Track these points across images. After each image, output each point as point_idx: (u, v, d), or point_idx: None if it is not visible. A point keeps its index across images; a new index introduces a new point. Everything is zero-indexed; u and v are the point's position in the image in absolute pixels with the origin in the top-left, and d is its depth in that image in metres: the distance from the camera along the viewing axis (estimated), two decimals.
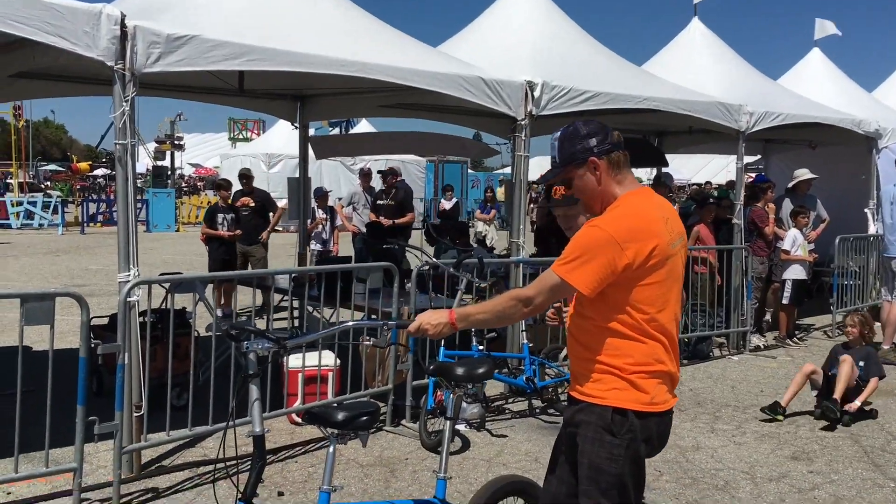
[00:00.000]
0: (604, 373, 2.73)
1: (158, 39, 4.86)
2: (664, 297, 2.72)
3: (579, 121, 2.82)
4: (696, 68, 10.07)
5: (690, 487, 5.13)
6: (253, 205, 10.26)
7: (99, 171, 42.12)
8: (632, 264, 2.63)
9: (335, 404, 3.06)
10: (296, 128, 9.09)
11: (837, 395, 6.39)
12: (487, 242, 15.95)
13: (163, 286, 6.35)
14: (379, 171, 13.13)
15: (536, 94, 7.00)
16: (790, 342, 9.47)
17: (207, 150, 57.71)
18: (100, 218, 26.65)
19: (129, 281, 4.69)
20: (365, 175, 12.45)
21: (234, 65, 5.34)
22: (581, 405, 2.77)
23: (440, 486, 3.28)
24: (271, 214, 10.72)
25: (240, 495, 2.85)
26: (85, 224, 24.86)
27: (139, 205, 28.52)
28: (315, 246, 11.14)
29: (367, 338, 4.58)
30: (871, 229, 10.77)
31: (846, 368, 6.48)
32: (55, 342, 4.38)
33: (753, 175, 14.86)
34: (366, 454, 5.53)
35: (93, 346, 4.43)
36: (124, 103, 4.77)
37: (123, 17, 4.73)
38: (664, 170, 12.29)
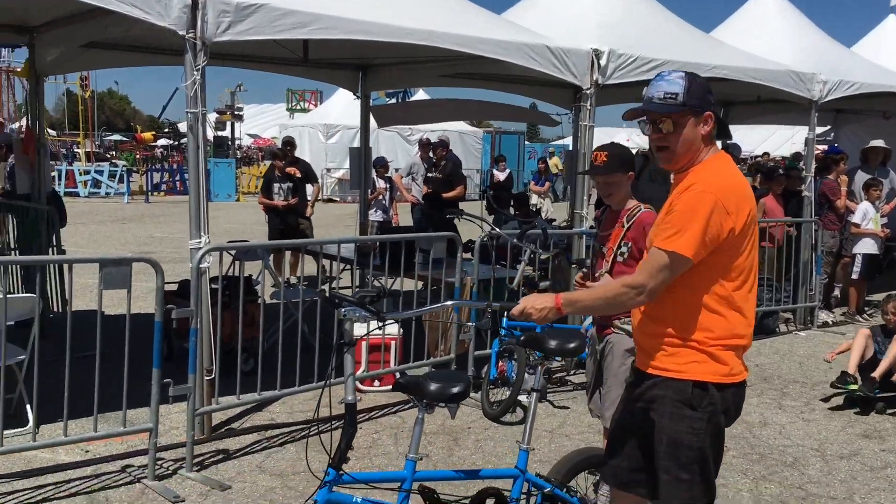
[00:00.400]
0: (680, 346, 2.67)
1: (228, 8, 4.88)
2: (751, 266, 2.67)
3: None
4: (767, 35, 9.75)
5: (758, 463, 5.06)
6: (299, 175, 10.06)
7: (161, 142, 42.92)
8: (734, 229, 2.58)
9: (428, 376, 3.03)
10: (357, 97, 9.10)
11: (878, 373, 5.98)
12: (543, 214, 15.82)
13: (230, 253, 6.46)
14: (422, 142, 13.04)
15: (603, 62, 6.87)
16: (860, 318, 9.22)
17: (265, 120, 58.32)
18: (163, 187, 27.22)
19: (200, 248, 4.78)
20: (424, 145, 12.41)
21: (301, 33, 5.34)
22: (654, 380, 2.71)
23: (522, 456, 3.27)
24: (309, 187, 10.50)
25: (330, 461, 2.87)
26: (149, 193, 25.42)
27: None
28: (376, 216, 11.15)
29: (464, 322, 4.57)
30: None
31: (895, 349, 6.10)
32: (121, 304, 4.49)
33: (821, 147, 14.43)
34: (429, 422, 5.56)
35: (167, 310, 4.51)
36: (195, 72, 4.83)
37: None
38: (732, 141, 11.99)
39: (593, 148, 7.32)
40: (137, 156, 34.19)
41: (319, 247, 7.12)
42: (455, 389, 2.91)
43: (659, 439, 2.68)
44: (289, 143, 10.81)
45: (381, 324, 2.97)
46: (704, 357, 2.66)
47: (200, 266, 4.73)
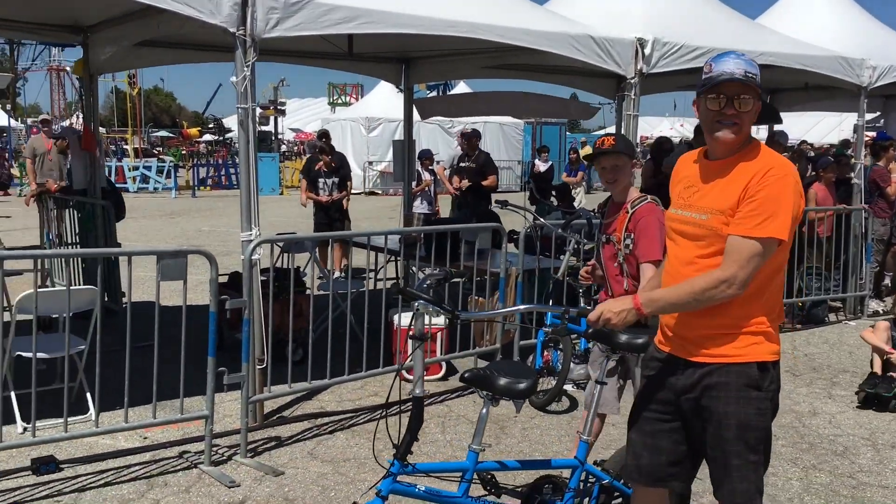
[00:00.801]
0: (736, 329, 2.67)
1: (276, 5, 4.98)
2: (790, 244, 2.71)
3: None
4: (814, 21, 9.61)
5: (808, 452, 5.03)
6: (334, 165, 10.08)
7: (206, 137, 43.58)
8: (800, 210, 2.64)
9: (495, 368, 3.03)
10: (400, 90, 9.18)
11: None
12: (576, 205, 15.73)
13: (278, 245, 6.59)
14: (462, 133, 13.10)
15: (647, 51, 6.84)
16: None
17: (307, 115, 58.80)
18: (209, 182, 27.67)
19: (252, 240, 4.89)
20: (469, 137, 12.48)
21: (347, 28, 5.42)
22: (709, 367, 2.69)
23: (582, 447, 3.29)
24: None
25: (395, 453, 2.91)
26: (196, 188, 25.86)
27: None
28: (422, 207, 11.21)
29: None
30: None
31: None
32: (179, 298, 4.63)
33: (871, 133, 14.14)
34: (473, 411, 5.64)
35: (221, 301, 4.64)
36: (245, 68, 4.93)
37: None
38: (777, 128, 11.82)
39: (638, 137, 7.35)
40: (184, 151, 34.74)
41: (367, 238, 7.21)
42: (523, 385, 2.93)
43: (727, 425, 2.66)
44: (324, 135, 10.96)
45: (455, 322, 2.97)
46: (761, 338, 2.68)
47: (252, 258, 4.85)
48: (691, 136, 11.20)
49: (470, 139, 11.31)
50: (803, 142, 29.67)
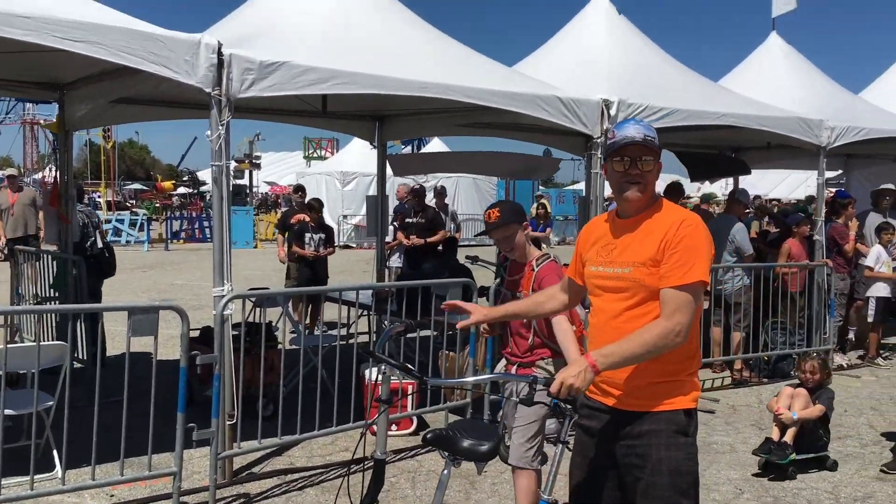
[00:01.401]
0: (670, 378, 2.80)
1: (252, 66, 5.12)
2: None
3: None
4: (774, 83, 9.97)
5: None
6: (312, 224, 9.97)
7: (180, 190, 43.59)
8: (712, 255, 2.80)
9: (458, 428, 3.04)
10: (374, 147, 9.34)
11: (789, 437, 5.65)
12: None
13: (250, 300, 6.63)
14: (411, 189, 13.13)
15: (612, 111, 7.06)
16: (878, 362, 9.23)
17: (282, 168, 59.09)
18: (182, 235, 27.60)
19: (224, 295, 4.94)
20: (439, 194, 12.66)
21: (320, 89, 5.57)
22: (642, 416, 2.80)
23: None
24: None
25: None
26: (169, 241, 25.77)
27: None
28: (397, 262, 11.26)
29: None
30: None
31: (812, 410, 5.79)
32: (149, 352, 4.64)
33: (834, 190, 14.53)
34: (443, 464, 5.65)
35: (191, 356, 4.66)
36: (220, 127, 5.05)
37: (220, 45, 5.01)
38: (742, 185, 12.14)
39: (605, 193, 7.52)
40: (157, 204, 34.69)
41: (339, 293, 7.26)
42: (485, 448, 2.95)
43: (658, 471, 2.76)
44: (300, 189, 11.04)
45: (423, 386, 3.01)
46: (687, 385, 2.84)
47: (224, 313, 4.89)
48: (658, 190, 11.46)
49: (418, 195, 11.12)
50: (757, 197, 30.32)
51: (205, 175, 55.62)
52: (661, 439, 2.77)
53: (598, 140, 7.06)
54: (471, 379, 3.14)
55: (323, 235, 9.88)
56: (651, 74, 8.24)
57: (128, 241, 26.10)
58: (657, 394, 2.79)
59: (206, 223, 28.46)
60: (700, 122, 7.87)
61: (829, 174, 13.21)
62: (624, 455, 2.84)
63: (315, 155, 40.30)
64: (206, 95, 5.03)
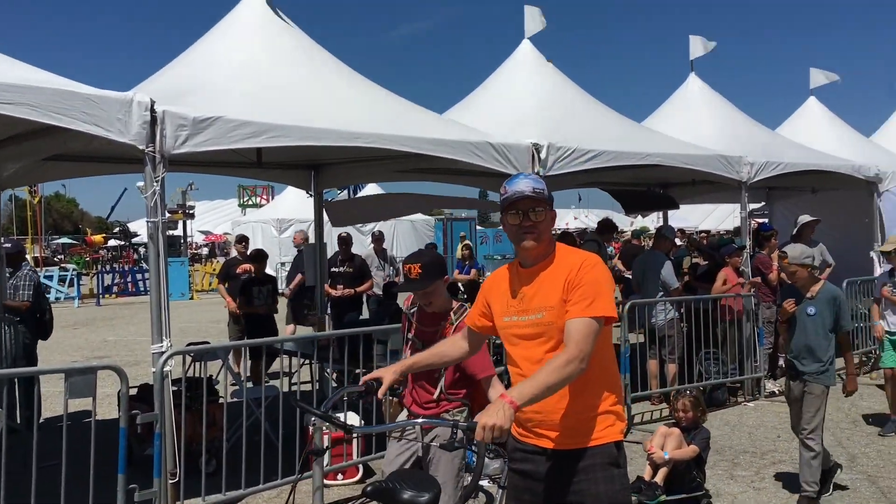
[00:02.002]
0: (599, 413, 2.91)
1: (185, 122, 5.16)
2: None
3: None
4: (695, 122, 10.39)
5: None
6: (254, 273, 9.88)
7: (112, 243, 42.66)
8: (613, 291, 2.95)
9: (398, 479, 3.00)
10: (310, 196, 9.38)
11: (660, 478, 5.69)
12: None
13: (189, 355, 6.55)
14: (381, 235, 13.18)
15: (542, 155, 7.27)
16: None
17: (217, 216, 58.38)
18: (115, 289, 26.99)
19: (163, 351, 4.90)
20: (377, 239, 12.74)
21: (255, 142, 5.62)
22: (577, 453, 2.89)
23: None
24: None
25: None
26: (100, 296, 25.17)
27: None
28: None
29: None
30: (878, 271, 10.90)
31: (685, 451, 5.81)
32: (82, 412, 4.57)
33: (759, 220, 15.07)
34: None
35: (131, 416, 4.60)
36: (155, 183, 5.05)
37: (153, 102, 5.03)
38: (670, 221, 12.55)
39: None
40: (87, 258, 33.86)
41: (280, 344, 7.23)
42: (425, 498, 2.97)
43: None
44: (243, 240, 10.94)
45: (350, 436, 3.02)
46: (613, 418, 2.95)
47: (164, 370, 4.85)
48: (594, 226, 11.77)
49: (345, 243, 10.94)
50: (681, 230, 31.20)
51: (136, 226, 54.67)
52: (598, 473, 2.87)
53: None
54: (392, 424, 3.07)
55: (271, 286, 9.65)
56: (578, 118, 8.52)
57: (57, 298, 25.37)
58: (587, 429, 2.90)
59: (139, 276, 27.92)
60: (627, 163, 8.16)
61: (753, 206, 13.73)
62: (561, 494, 2.91)
63: (250, 203, 39.96)
64: (139, 152, 5.04)
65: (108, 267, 31.90)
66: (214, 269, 29.24)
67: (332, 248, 10.98)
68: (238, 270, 10.02)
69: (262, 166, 8.32)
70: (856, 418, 8.07)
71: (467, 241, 19.87)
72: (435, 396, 4.06)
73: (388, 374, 3.27)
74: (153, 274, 5.12)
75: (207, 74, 6.26)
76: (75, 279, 25.52)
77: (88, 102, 4.84)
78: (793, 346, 5.83)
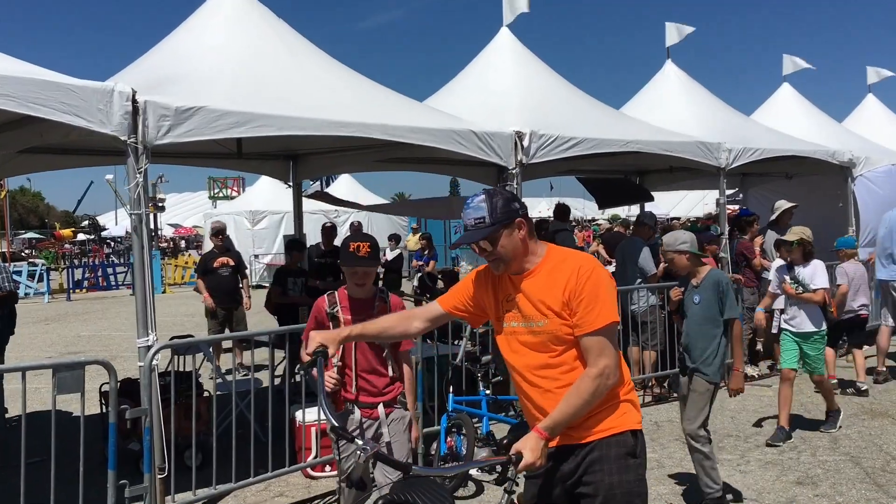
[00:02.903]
0: (612, 403, 2.88)
1: (168, 112, 5.06)
2: None
3: (496, 187, 3.02)
4: (673, 109, 10.45)
5: None
6: (233, 264, 9.93)
7: (80, 237, 42.05)
8: (615, 290, 2.94)
9: (415, 490, 2.78)
10: (289, 186, 9.30)
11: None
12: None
13: (174, 349, 6.46)
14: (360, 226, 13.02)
15: (525, 143, 7.26)
16: None
17: (186, 209, 57.82)
18: (85, 284, 26.61)
19: (150, 345, 4.83)
20: (356, 229, 12.67)
21: (239, 132, 5.53)
22: (590, 445, 2.86)
23: None
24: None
25: None
26: (71, 290, 24.79)
27: (124, 268, 28.60)
28: None
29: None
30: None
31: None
32: (64, 407, 4.49)
33: (733, 207, 15.20)
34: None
35: (120, 410, 4.53)
36: (138, 175, 4.96)
37: (134, 92, 4.93)
38: (646, 209, 12.60)
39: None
40: (57, 253, 33.34)
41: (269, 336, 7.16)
42: None
43: (611, 496, 2.82)
44: (220, 231, 10.58)
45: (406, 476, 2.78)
46: (629, 406, 2.94)
47: (151, 365, 4.77)
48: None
49: (329, 233, 10.54)
50: (674, 218, 31.49)
51: (105, 219, 53.91)
52: (612, 464, 2.83)
53: (514, 171, 7.24)
54: (440, 470, 2.69)
55: (303, 280, 9.26)
56: (558, 105, 8.52)
57: (26, 294, 24.95)
58: (600, 420, 2.86)
59: (109, 270, 27.55)
60: (608, 150, 8.17)
61: (727, 192, 13.85)
62: (574, 489, 2.89)
63: (221, 195, 39.55)
64: (121, 143, 4.94)
65: (77, 261, 31.36)
66: (186, 263, 28.95)
67: (310, 238, 10.84)
68: (215, 264, 9.86)
69: (242, 157, 8.22)
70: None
71: (425, 232, 19.63)
72: (391, 374, 4.10)
73: (330, 341, 3.09)
74: (137, 267, 5.03)
75: (188, 63, 6.15)
76: (45, 274, 25.10)
77: (68, 93, 4.73)
78: (682, 337, 5.55)
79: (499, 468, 2.70)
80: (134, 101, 4.92)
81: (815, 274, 7.04)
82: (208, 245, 27.20)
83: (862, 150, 11.69)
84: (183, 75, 5.86)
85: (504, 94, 8.42)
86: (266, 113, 5.62)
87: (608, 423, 2.87)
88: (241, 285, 10.07)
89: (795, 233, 7.22)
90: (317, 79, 6.72)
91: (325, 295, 4.18)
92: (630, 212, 28.46)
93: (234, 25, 6.72)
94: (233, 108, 5.44)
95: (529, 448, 2.68)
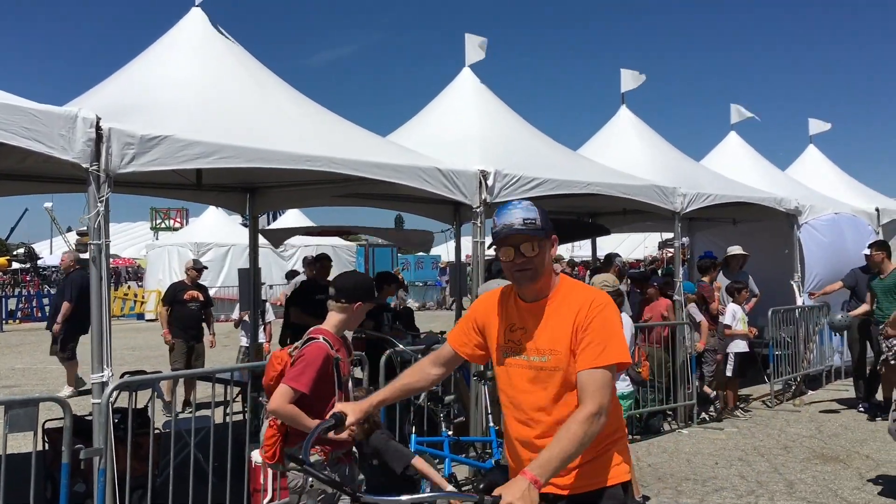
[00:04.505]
0: (600, 452, 2.75)
1: (132, 140, 4.91)
2: None
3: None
4: (627, 153, 10.60)
5: None
6: (202, 299, 9.99)
7: (15, 265, 40.66)
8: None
9: None
10: (246, 219, 9.13)
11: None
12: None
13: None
14: (314, 258, 12.76)
15: (490, 182, 7.26)
16: (737, 413, 9.77)
17: (125, 240, 56.35)
18: (18, 315, 25.68)
19: (106, 381, 4.62)
20: (310, 264, 12.44)
21: (204, 163, 5.40)
22: (582, 497, 2.75)
23: None
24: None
25: None
26: (3, 321, 23.88)
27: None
28: (244, 341, 10.74)
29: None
30: (798, 301, 11.33)
31: None
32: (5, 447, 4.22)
33: (671, 250, 15.48)
34: None
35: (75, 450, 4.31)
36: (98, 203, 4.78)
37: (98, 119, 4.77)
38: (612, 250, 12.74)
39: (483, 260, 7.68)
40: None
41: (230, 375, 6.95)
42: None
43: None
44: (198, 268, 10.22)
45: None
46: (620, 458, 2.82)
47: (108, 402, 4.56)
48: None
49: (324, 264, 9.90)
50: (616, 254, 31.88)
51: (41, 248, 52.21)
52: None
53: (478, 209, 7.22)
54: (415, 497, 2.57)
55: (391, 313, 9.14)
56: (520, 145, 8.57)
57: None
58: (596, 471, 2.76)
59: (45, 300, 26.66)
60: (570, 191, 8.21)
61: (669, 235, 14.10)
62: None
63: (164, 226, 38.77)
64: (82, 171, 4.76)
65: (11, 291, 30.28)
66: (125, 295, 28.16)
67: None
68: (185, 296, 9.85)
69: (201, 188, 8.03)
70: (786, 444, 8.29)
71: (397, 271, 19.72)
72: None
73: (351, 411, 2.92)
74: (94, 298, 4.82)
75: (151, 91, 6.01)
76: None
77: (30, 117, 4.55)
78: None
79: None
80: (98, 128, 4.76)
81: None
82: (152, 276, 26.65)
83: (806, 198, 12.04)
84: (148, 104, 5.71)
85: (466, 132, 8.43)
86: (233, 144, 5.50)
87: (599, 475, 2.75)
88: (207, 321, 10.19)
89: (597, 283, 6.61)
90: (282, 111, 6.63)
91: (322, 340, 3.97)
92: (574, 252, 28.72)
93: (198, 55, 6.60)
94: (199, 139, 5.31)
95: (519, 495, 2.38)
